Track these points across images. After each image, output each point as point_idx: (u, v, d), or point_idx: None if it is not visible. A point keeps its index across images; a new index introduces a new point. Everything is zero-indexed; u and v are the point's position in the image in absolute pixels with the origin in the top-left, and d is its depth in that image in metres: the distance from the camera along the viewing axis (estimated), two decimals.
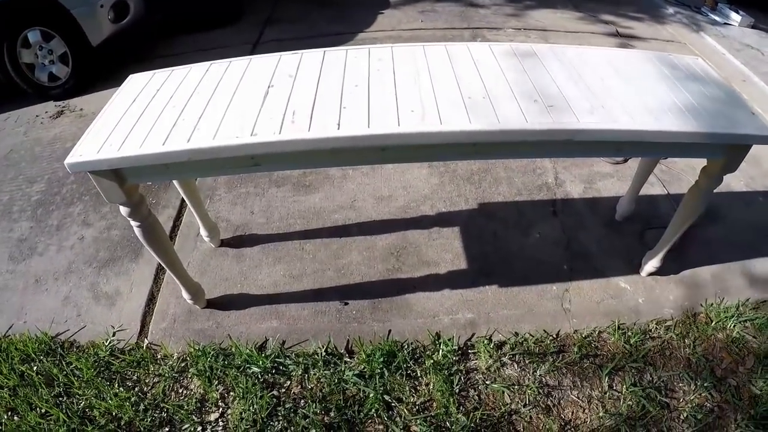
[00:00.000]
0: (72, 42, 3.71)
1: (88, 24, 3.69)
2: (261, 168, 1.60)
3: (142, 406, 1.93)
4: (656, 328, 2.22)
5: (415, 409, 1.92)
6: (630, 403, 1.95)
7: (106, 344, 2.15)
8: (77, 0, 3.59)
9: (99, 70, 4.10)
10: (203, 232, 2.49)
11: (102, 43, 3.85)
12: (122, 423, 1.89)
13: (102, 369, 2.07)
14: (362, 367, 2.03)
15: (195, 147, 1.45)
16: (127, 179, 1.58)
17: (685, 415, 1.93)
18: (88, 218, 2.78)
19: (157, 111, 1.62)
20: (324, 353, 2.08)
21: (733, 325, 2.21)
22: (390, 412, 1.91)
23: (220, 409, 1.94)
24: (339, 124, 1.48)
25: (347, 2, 5.58)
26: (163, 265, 2.02)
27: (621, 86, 1.73)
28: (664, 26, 5.25)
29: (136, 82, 1.83)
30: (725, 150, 1.70)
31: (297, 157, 1.57)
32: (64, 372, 2.05)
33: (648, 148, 1.76)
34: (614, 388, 2.01)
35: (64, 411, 1.92)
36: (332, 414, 1.89)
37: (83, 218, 2.79)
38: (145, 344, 2.16)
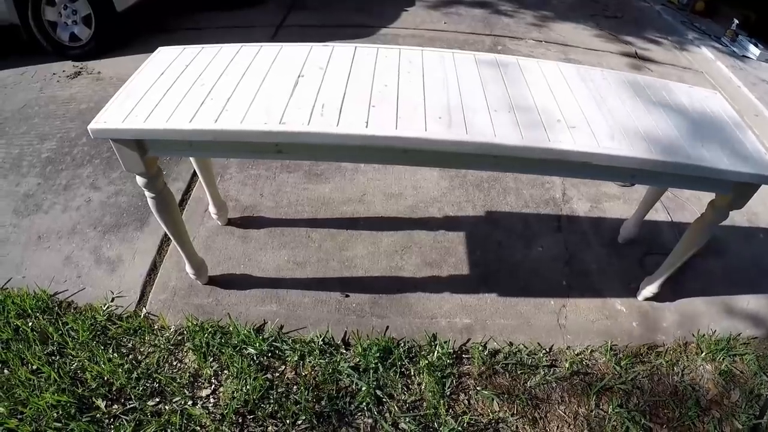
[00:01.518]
0: (97, 4, 3.70)
1: None
2: (282, 156, 1.62)
3: (135, 374, 1.95)
4: (647, 352, 2.26)
5: (405, 407, 1.95)
6: (614, 423, 1.98)
7: (104, 309, 2.17)
8: None
9: (120, 35, 4.09)
10: (212, 209, 2.51)
11: (127, 9, 3.85)
12: (113, 388, 1.91)
13: (98, 333, 2.08)
14: (357, 360, 2.06)
15: (222, 128, 1.47)
16: (149, 151, 1.59)
17: None
18: (97, 182, 2.79)
19: (186, 87, 1.63)
20: (321, 342, 2.11)
21: (722, 358, 2.25)
22: (380, 407, 1.94)
23: (213, 386, 1.95)
24: (367, 123, 1.49)
25: None
26: (170, 237, 2.03)
27: (641, 113, 1.76)
28: (682, 53, 5.27)
29: (165, 54, 1.83)
30: (733, 186, 1.73)
31: (321, 150, 1.59)
32: (60, 331, 2.06)
33: (659, 177, 1.79)
34: (601, 407, 2.04)
35: (56, 370, 1.93)
36: (323, 403, 1.92)
37: (92, 181, 2.79)
38: (143, 313, 2.18)
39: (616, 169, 1.63)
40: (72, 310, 2.18)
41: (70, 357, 1.99)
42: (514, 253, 2.63)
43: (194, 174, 2.83)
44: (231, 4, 4.96)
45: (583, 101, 1.76)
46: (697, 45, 5.45)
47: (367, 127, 1.48)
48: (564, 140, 1.55)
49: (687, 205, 3.05)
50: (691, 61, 5.08)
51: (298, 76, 1.70)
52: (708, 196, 1.90)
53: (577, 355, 2.20)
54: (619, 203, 3.03)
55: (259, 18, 4.85)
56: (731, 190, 1.75)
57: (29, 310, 2.13)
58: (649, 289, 2.38)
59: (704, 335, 2.34)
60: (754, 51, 5.27)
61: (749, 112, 4.15)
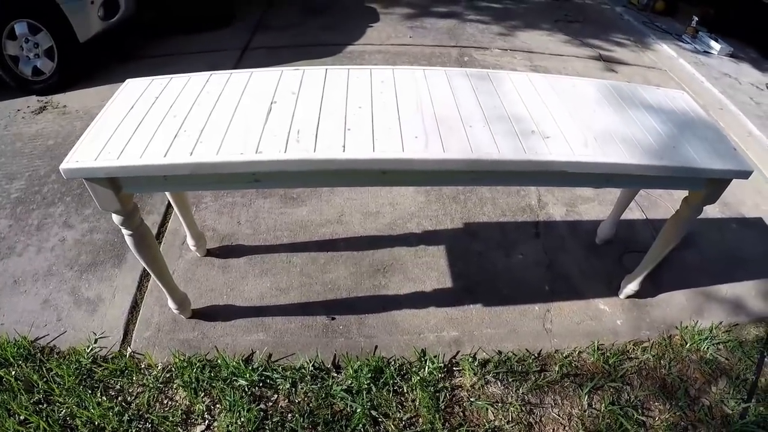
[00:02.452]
0: (59, 37, 3.65)
1: (77, 19, 3.65)
2: (260, 185, 1.61)
3: (126, 417, 1.90)
4: (634, 349, 2.30)
5: (401, 425, 1.94)
6: (608, 421, 2.01)
7: (88, 351, 2.11)
8: None
9: (84, 67, 4.04)
10: (189, 241, 2.48)
11: (89, 40, 3.81)
12: None
13: (84, 377, 2.03)
14: (349, 382, 2.04)
15: (198, 161, 1.45)
16: (123, 188, 1.56)
17: None
18: (70, 220, 2.74)
19: (157, 120, 1.60)
20: (311, 367, 2.09)
21: (706, 347, 2.30)
22: (377, 427, 1.93)
23: (207, 421, 1.92)
24: (344, 147, 1.49)
25: (336, 13, 5.61)
26: (150, 273, 2.00)
27: (611, 118, 1.80)
28: (645, 52, 5.40)
29: (133, 86, 1.80)
30: (706, 183, 1.78)
31: (299, 177, 1.58)
32: (45, 378, 2.01)
33: (633, 180, 1.83)
34: (593, 406, 2.07)
35: (44, 419, 1.87)
36: (320, 428, 1.90)
37: (65, 219, 2.74)
38: (128, 353, 2.13)
39: (591, 175, 1.66)
40: (55, 355, 2.12)
41: (57, 404, 1.94)
42: (495, 263, 2.65)
43: (169, 205, 2.80)
44: (194, 29, 4.92)
45: (555, 110, 1.79)
46: (659, 44, 5.61)
47: (344, 151, 1.48)
48: (540, 151, 1.57)
49: (660, 202, 3.12)
50: (655, 60, 5.21)
51: (271, 103, 1.69)
52: (681, 192, 1.94)
53: (566, 357, 2.22)
54: (594, 205, 3.08)
55: (224, 41, 4.83)
56: (704, 187, 1.79)
57: (11, 359, 2.07)
58: (630, 287, 2.42)
59: (687, 327, 2.40)
60: (714, 46, 5.43)
61: (714, 107, 4.27)
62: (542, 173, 1.63)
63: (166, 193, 2.31)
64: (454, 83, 1.88)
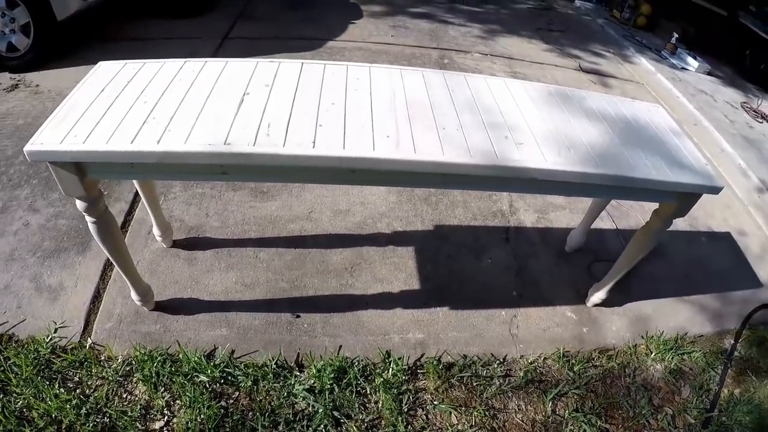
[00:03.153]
0: (37, 13, 3.54)
1: None
2: (227, 178, 1.58)
3: (83, 410, 1.85)
4: (599, 357, 2.32)
5: (363, 427, 1.92)
6: (572, 428, 2.03)
7: (48, 341, 2.05)
8: None
9: (61, 46, 3.94)
10: (156, 231, 2.42)
11: (67, 18, 3.70)
12: (63, 426, 1.81)
13: (42, 367, 1.97)
14: (312, 381, 2.02)
15: (166, 150, 1.42)
16: (88, 173, 1.51)
17: None
18: (35, 203, 2.66)
19: (127, 105, 1.56)
20: (274, 365, 2.06)
21: (671, 357, 2.34)
22: (339, 429, 1.91)
23: (166, 417, 1.88)
24: (314, 143, 1.47)
25: (320, 7, 5.58)
26: (113, 263, 1.95)
27: (586, 128, 1.80)
28: (624, 65, 5.48)
29: (105, 69, 1.75)
30: (677, 196, 1.80)
31: (267, 171, 1.56)
32: (2, 368, 1.95)
33: (605, 190, 1.84)
34: (557, 412, 2.08)
35: (0, 410, 1.82)
36: (280, 428, 1.88)
37: (30, 203, 2.66)
38: (88, 344, 2.08)
39: (562, 183, 1.66)
40: (13, 344, 2.05)
41: (14, 395, 1.88)
42: (465, 266, 2.65)
43: (137, 194, 2.73)
44: (176, 14, 4.84)
45: (530, 117, 1.79)
46: (638, 57, 5.68)
47: (314, 147, 1.46)
48: (512, 157, 1.57)
49: (631, 213, 3.15)
50: (633, 74, 5.29)
51: (244, 94, 1.66)
52: (652, 204, 1.96)
53: (531, 363, 2.23)
54: (565, 213, 3.10)
55: (205, 28, 4.76)
56: (675, 200, 1.82)
57: None
58: (598, 296, 2.44)
59: (653, 336, 2.43)
60: (692, 63, 5.54)
61: (689, 122, 4.34)
62: (513, 179, 1.63)
63: (134, 181, 2.25)
64: (431, 84, 1.87)
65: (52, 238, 2.49)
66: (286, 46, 4.52)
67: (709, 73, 5.51)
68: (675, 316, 2.57)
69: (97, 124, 1.48)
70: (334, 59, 4.37)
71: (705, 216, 3.25)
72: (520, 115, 1.79)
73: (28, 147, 1.40)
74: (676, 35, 5.82)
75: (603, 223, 3.02)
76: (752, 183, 3.66)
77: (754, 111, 4.81)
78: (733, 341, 2.51)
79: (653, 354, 2.35)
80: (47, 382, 1.92)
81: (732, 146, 4.01)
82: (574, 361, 2.26)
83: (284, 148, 1.45)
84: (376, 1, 5.96)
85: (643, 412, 2.12)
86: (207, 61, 1.83)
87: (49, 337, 2.07)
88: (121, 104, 1.57)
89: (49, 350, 2.03)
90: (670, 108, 4.50)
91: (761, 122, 4.67)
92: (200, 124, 1.51)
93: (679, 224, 3.07)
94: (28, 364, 1.96)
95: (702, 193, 1.79)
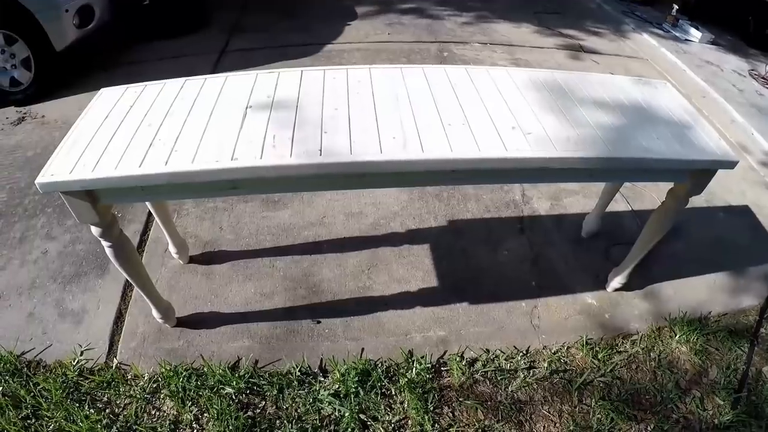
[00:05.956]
0: (35, 46, 3.60)
1: (52, 28, 3.59)
2: (239, 192, 1.59)
3: (114, 429, 1.88)
4: (623, 342, 2.30)
5: (390, 428, 1.93)
6: (599, 416, 2.01)
7: (74, 364, 2.09)
8: (42, 4, 3.49)
9: (62, 75, 4.00)
10: (172, 249, 2.45)
11: (66, 49, 3.75)
12: None
13: (71, 390, 2.00)
14: (337, 386, 2.03)
15: (174, 170, 1.43)
16: (101, 199, 1.53)
17: (652, 426, 1.99)
18: (52, 231, 2.70)
19: (132, 129, 1.58)
20: (298, 373, 2.07)
21: (696, 338, 2.30)
22: (366, 431, 1.92)
23: (195, 430, 1.90)
24: (321, 150, 1.48)
25: (314, 12, 5.57)
26: (132, 283, 1.98)
27: (593, 112, 1.78)
28: (626, 42, 5.41)
29: (108, 95, 1.77)
30: (690, 174, 1.77)
31: (277, 182, 1.57)
32: (32, 393, 1.98)
33: (617, 174, 1.83)
34: (584, 402, 2.07)
35: None
36: None
37: (47, 231, 2.70)
38: (114, 364, 2.11)
39: (573, 170, 1.65)
40: (42, 369, 2.09)
41: (46, 419, 1.91)
42: (481, 260, 2.64)
43: (150, 214, 2.76)
44: (171, 33, 4.87)
45: (535, 106, 1.78)
46: (639, 33, 5.61)
47: (321, 155, 1.46)
48: (521, 148, 1.56)
49: (645, 193, 3.12)
50: (636, 50, 5.22)
51: (246, 108, 1.67)
52: (667, 183, 1.93)
53: (554, 353, 2.22)
54: (579, 198, 3.07)
55: (201, 46, 4.78)
56: (689, 179, 1.79)
57: None
58: (618, 280, 2.42)
59: (676, 318, 2.39)
60: (695, 34, 5.45)
61: (697, 95, 4.28)
62: (524, 170, 1.62)
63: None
64: (433, 81, 1.86)
65: (72, 264, 2.52)
66: (285, 55, 4.53)
67: (713, 43, 5.42)
68: (697, 295, 2.53)
69: (105, 150, 1.49)
70: (333, 63, 4.38)
71: (722, 191, 3.20)
72: (526, 105, 1.77)
73: (40, 179, 1.42)
74: (676, 7, 5.73)
75: (618, 205, 2.99)
76: (766, 152, 3.60)
77: (763, 78, 4.73)
78: (758, 318, 2.46)
79: (677, 336, 2.31)
80: (77, 405, 1.95)
81: (743, 116, 3.95)
82: (597, 349, 2.24)
83: (291, 159, 1.45)
84: (367, 1, 5.93)
85: (670, 396, 2.10)
86: (207, 78, 1.84)
87: (76, 360, 2.11)
88: (126, 129, 1.58)
89: (76, 373, 2.06)
90: (676, 82, 4.45)
91: None
92: (206, 142, 1.52)
93: (696, 201, 3.03)
94: (57, 388, 1.99)
95: (717, 169, 1.75)
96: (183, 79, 1.84)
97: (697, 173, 1.77)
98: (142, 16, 4.67)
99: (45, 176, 1.42)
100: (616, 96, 1.91)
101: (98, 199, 1.53)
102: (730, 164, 1.70)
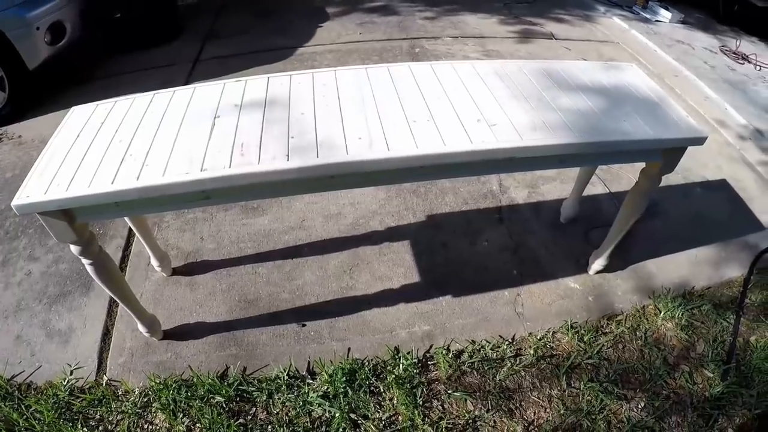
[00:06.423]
0: (8, 66, 3.58)
1: (24, 47, 3.57)
2: (212, 202, 1.59)
3: None
4: (608, 323, 2.33)
5: (381, 425, 1.94)
6: (589, 398, 2.04)
7: (65, 384, 2.09)
8: (12, 23, 3.46)
9: (37, 94, 3.97)
10: (154, 262, 2.45)
11: (39, 66, 3.73)
12: None
13: (63, 410, 2.01)
14: (325, 387, 2.04)
15: (144, 185, 1.44)
16: (77, 218, 1.54)
17: (642, 404, 2.03)
18: (34, 252, 2.70)
19: (104, 146, 1.59)
20: (286, 377, 2.08)
21: (681, 313, 2.33)
22: (357, 430, 1.94)
23: None
24: (288, 156, 1.49)
25: (286, 15, 5.56)
26: (116, 299, 1.98)
27: (560, 99, 1.81)
28: (597, 27, 5.45)
29: (79, 113, 1.78)
30: (661, 153, 1.80)
31: (248, 189, 1.57)
32: (24, 416, 1.98)
33: (587, 158, 1.85)
34: (572, 385, 2.09)
35: None
36: None
37: (29, 252, 2.70)
38: (104, 381, 2.11)
39: (543, 158, 1.67)
40: (33, 391, 2.09)
41: None
42: (461, 252, 2.66)
43: (131, 228, 2.76)
44: (145, 44, 4.85)
45: (501, 97, 1.80)
46: (610, 17, 5.66)
47: (288, 160, 1.48)
48: (486, 139, 1.58)
49: (622, 174, 3.15)
50: (608, 34, 5.26)
51: (215, 117, 1.68)
52: (642, 163, 1.96)
53: (540, 339, 2.25)
54: (556, 184, 3.10)
55: (174, 55, 4.76)
56: (660, 157, 1.82)
57: None
58: (599, 262, 2.45)
59: (660, 295, 2.43)
60: (665, 15, 5.51)
61: (669, 74, 4.31)
62: (491, 161, 1.64)
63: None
64: (397, 79, 1.87)
65: (56, 284, 2.52)
66: (258, 59, 4.52)
67: (683, 22, 5.48)
68: (679, 271, 2.57)
69: (78, 169, 1.50)
70: (306, 65, 4.40)
71: (698, 166, 3.24)
72: (491, 97, 1.79)
73: (15, 201, 1.43)
74: None
75: (595, 188, 3.02)
76: (741, 126, 3.65)
77: (734, 53, 4.78)
78: (742, 289, 2.50)
79: (662, 313, 2.34)
80: (70, 424, 1.96)
81: (716, 92, 3.98)
82: (583, 332, 2.27)
83: (259, 166, 1.46)
84: (337, 1, 5.93)
85: (659, 372, 2.13)
86: (175, 90, 1.85)
87: (66, 380, 2.11)
88: (98, 146, 1.59)
89: (67, 393, 2.06)
90: (648, 63, 4.50)
91: (742, 63, 4.65)
92: (176, 154, 1.53)
93: (673, 178, 3.07)
94: (49, 409, 1.99)
95: (686, 147, 1.78)
96: (152, 92, 1.85)
97: (668, 151, 1.80)
98: (115, 29, 4.64)
99: (21, 198, 1.43)
100: (582, 81, 1.93)
101: (75, 218, 1.53)
102: (699, 140, 1.72)
